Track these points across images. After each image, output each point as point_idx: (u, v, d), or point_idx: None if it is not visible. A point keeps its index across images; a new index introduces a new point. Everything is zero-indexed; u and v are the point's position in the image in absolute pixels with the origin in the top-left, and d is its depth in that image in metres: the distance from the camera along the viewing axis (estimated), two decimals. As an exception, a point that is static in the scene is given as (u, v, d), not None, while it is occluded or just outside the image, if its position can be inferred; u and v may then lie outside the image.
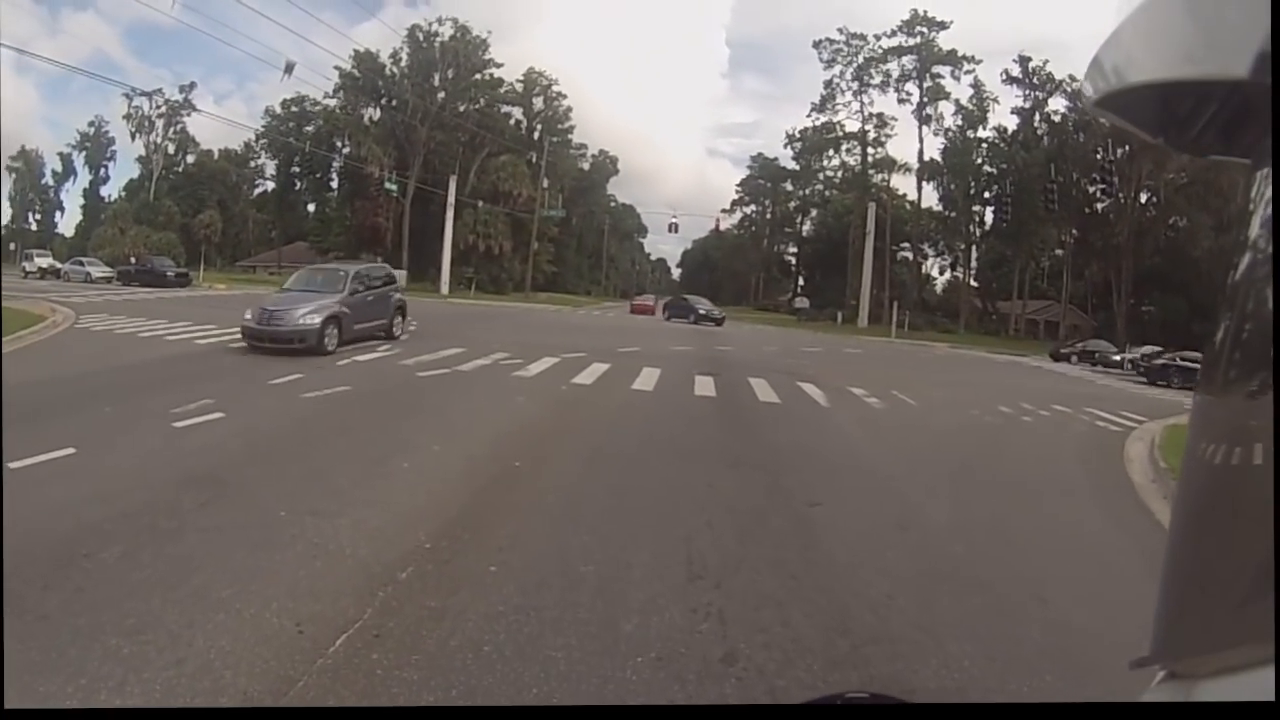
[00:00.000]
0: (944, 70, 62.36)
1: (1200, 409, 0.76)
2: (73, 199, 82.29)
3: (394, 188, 59.33)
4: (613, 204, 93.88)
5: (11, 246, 64.44)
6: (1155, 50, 0.76)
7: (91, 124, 77.76)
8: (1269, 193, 0.66)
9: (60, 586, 3.99)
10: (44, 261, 47.61)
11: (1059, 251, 62.26)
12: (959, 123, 61.95)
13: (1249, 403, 0.65)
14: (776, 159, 78.07)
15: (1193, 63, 0.70)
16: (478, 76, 66.87)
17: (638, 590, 4.41)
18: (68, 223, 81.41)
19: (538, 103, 72.98)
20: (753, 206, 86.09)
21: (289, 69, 43.65)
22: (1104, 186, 51.25)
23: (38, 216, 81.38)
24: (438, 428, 8.69)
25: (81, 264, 44.76)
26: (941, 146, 62.89)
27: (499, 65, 67.49)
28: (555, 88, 73.11)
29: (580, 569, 4.64)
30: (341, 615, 3.88)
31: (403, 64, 65.59)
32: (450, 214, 58.62)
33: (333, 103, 67.02)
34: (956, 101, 62.01)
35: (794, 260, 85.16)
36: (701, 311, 47.78)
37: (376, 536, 4.96)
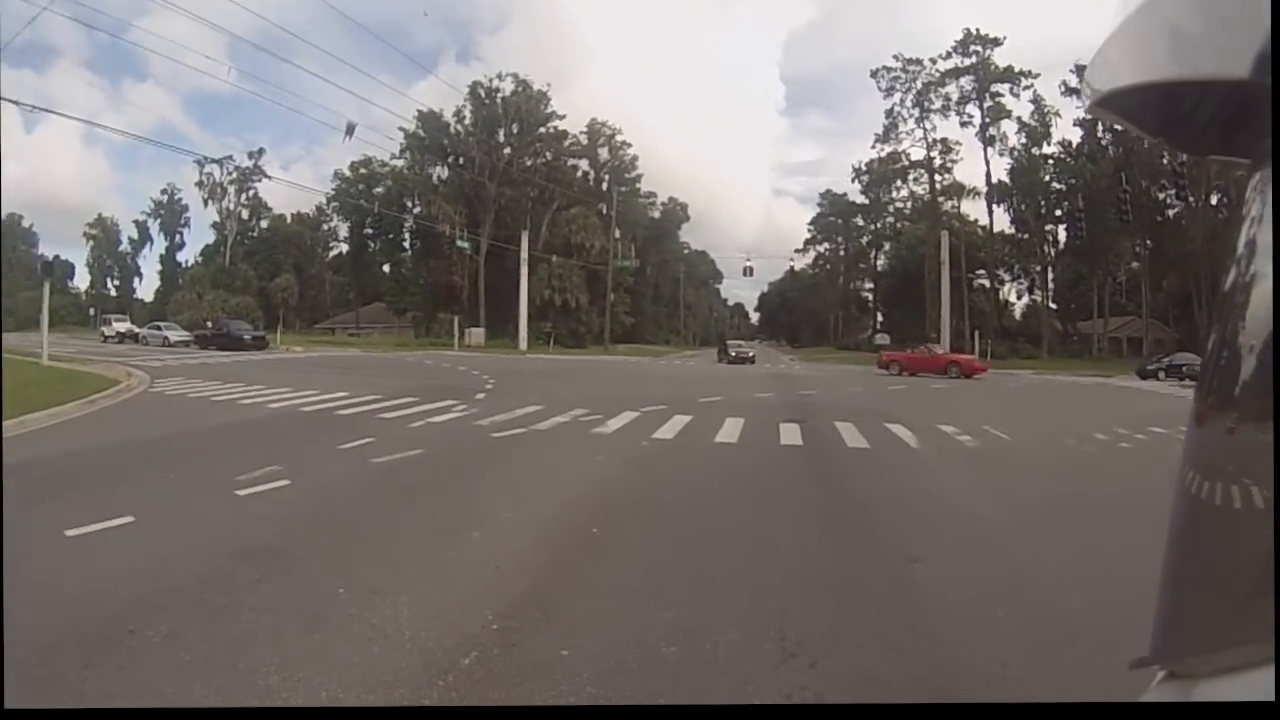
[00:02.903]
0: (1003, 88, 61.62)
1: (1199, 408, 0.75)
2: (150, 265, 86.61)
3: (466, 245, 60.39)
4: (686, 251, 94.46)
5: (91, 312, 67.55)
6: (1155, 50, 0.76)
7: (165, 191, 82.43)
8: (1269, 193, 0.65)
9: (102, 665, 3.74)
10: (121, 326, 50.04)
11: (1135, 264, 60.32)
12: (1023, 140, 61.26)
13: (1248, 402, 0.66)
14: (845, 194, 77.60)
15: (1193, 63, 0.71)
16: (542, 130, 68.21)
17: (724, 674, 3.89)
18: (146, 288, 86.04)
19: (603, 153, 74.21)
20: (826, 244, 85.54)
21: (350, 130, 44.86)
22: (1175, 191, 49.71)
23: (116, 282, 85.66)
24: (511, 492, 8.30)
25: (159, 328, 46.73)
26: (1008, 167, 62.00)
27: (561, 117, 68.85)
28: (619, 137, 74.00)
29: (662, 650, 4.15)
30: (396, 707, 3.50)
31: (466, 121, 67.22)
32: (524, 269, 59.34)
33: (400, 163, 69.06)
34: (1019, 119, 61.31)
35: (871, 296, 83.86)
36: None
37: (440, 617, 4.54)
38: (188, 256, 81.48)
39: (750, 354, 51.40)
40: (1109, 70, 0.82)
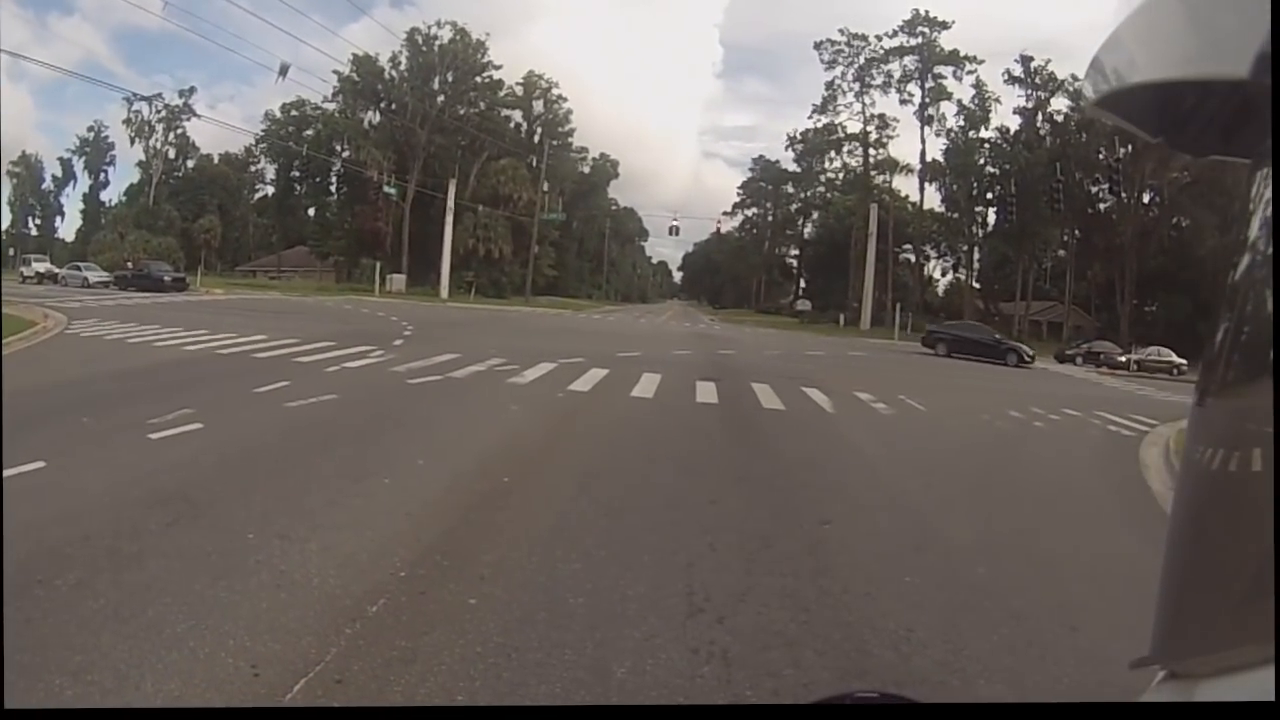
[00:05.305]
0: (946, 71, 62.35)
1: (1199, 409, 0.75)
2: (73, 204, 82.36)
3: (393, 191, 59.13)
4: (614, 207, 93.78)
5: (10, 251, 64.49)
6: (1155, 50, 0.76)
7: (91, 129, 77.77)
8: (1269, 193, 0.66)
9: (8, 617, 3.58)
10: (41, 266, 47.96)
11: (1061, 252, 62.06)
12: (961, 123, 61.98)
13: (1248, 403, 0.65)
14: (778, 161, 77.76)
15: (1193, 63, 0.70)
16: (477, 79, 66.72)
17: (632, 627, 3.99)
18: (68, 227, 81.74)
19: (538, 106, 72.82)
20: (754, 209, 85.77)
21: (283, 71, 43.46)
22: (1108, 186, 51.22)
23: (38, 221, 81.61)
24: (424, 440, 8.28)
25: (79, 269, 44.98)
26: (944, 147, 62.87)
27: (498, 67, 67.39)
28: (555, 90, 72.81)
29: (570, 601, 4.23)
30: (302, 656, 3.49)
31: (402, 67, 65.40)
32: (450, 218, 58.38)
33: (332, 107, 66.95)
34: (959, 102, 62.02)
35: (795, 263, 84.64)
36: None
37: (348, 564, 4.54)
38: (112, 196, 77.72)
39: (1027, 352, 34.43)
40: (1108, 70, 0.82)
